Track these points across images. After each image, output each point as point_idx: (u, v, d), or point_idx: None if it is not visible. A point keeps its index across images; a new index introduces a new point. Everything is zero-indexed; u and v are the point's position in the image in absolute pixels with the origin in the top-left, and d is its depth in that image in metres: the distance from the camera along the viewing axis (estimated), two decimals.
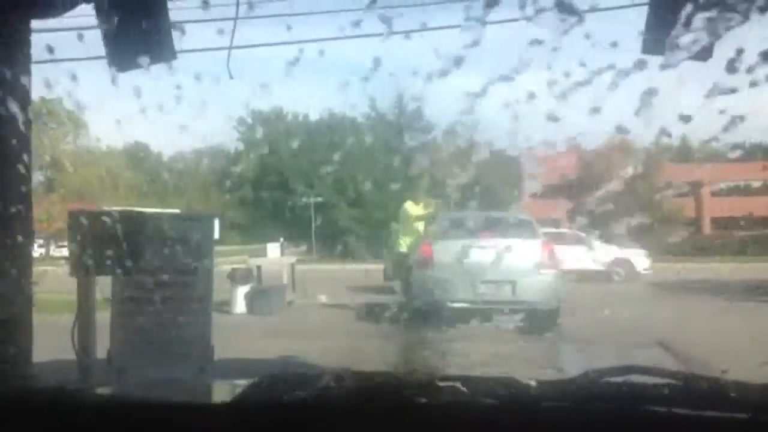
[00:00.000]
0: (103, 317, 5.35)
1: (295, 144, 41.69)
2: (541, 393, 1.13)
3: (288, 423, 1.09)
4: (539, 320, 9.93)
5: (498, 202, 40.86)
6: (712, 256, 37.99)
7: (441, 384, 1.14)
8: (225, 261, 17.01)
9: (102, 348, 5.20)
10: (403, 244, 11.71)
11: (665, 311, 12.31)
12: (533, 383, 1.15)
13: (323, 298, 14.90)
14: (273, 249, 14.23)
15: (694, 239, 45.15)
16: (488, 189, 47.28)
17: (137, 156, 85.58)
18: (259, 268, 13.63)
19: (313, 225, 38.86)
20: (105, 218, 5.39)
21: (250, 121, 58.53)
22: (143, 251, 5.65)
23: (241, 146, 59.71)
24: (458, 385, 1.13)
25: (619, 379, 1.18)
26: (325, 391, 1.17)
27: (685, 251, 39.82)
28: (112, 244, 5.28)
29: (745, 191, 57.22)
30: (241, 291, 12.54)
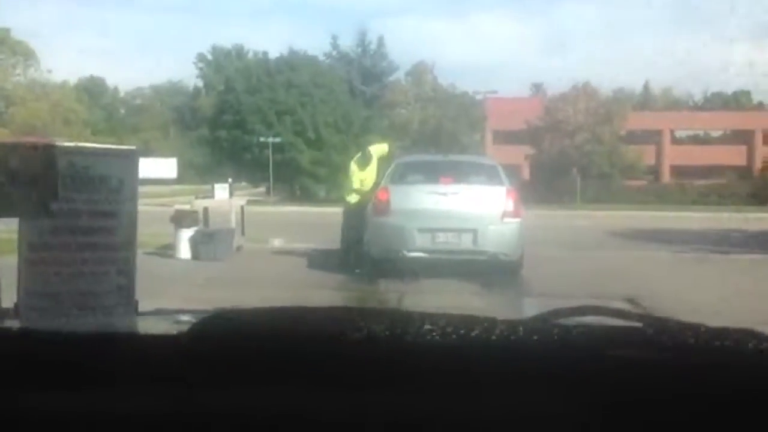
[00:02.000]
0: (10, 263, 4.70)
1: (253, 82, 40.41)
2: (492, 332, 1.06)
3: (248, 357, 1.04)
4: (502, 272, 9.39)
5: (460, 147, 40.63)
6: (671, 204, 38.08)
7: (399, 318, 1.11)
8: (183, 201, 16.22)
9: (7, 300, 4.55)
10: (352, 195, 10.94)
11: (630, 263, 11.94)
12: (485, 322, 1.08)
13: (276, 243, 14.25)
14: (221, 190, 13.33)
15: (653, 187, 45.28)
16: (451, 134, 47.11)
17: (93, 90, 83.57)
18: (206, 210, 12.81)
19: (270, 166, 37.99)
20: (10, 151, 4.65)
21: (210, 57, 57.12)
22: (54, 190, 4.92)
23: (200, 83, 58.39)
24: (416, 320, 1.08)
25: (573, 321, 1.12)
26: (284, 325, 1.11)
27: (645, 200, 39.87)
28: (18, 180, 4.58)
29: (705, 140, 57.69)
30: (186, 235, 11.75)
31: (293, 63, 41.81)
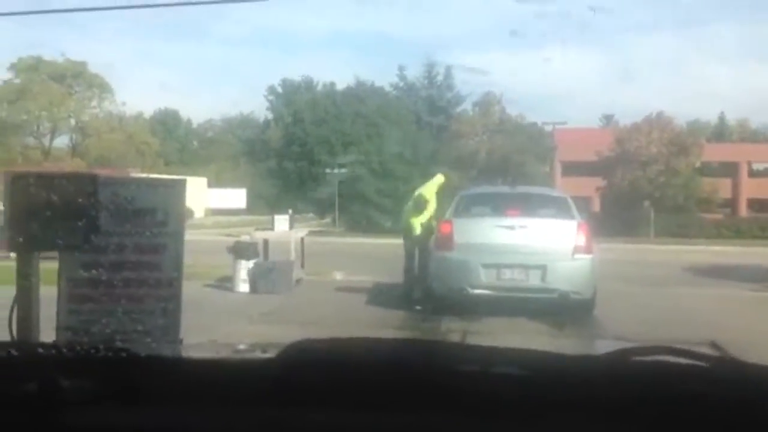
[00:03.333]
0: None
1: (320, 113, 40.59)
2: (566, 368, 1.11)
3: (333, 384, 1.10)
4: (572, 311, 8.83)
5: (529, 179, 39.93)
6: (748, 238, 36.54)
7: (470, 353, 1.17)
8: (250, 231, 16.00)
9: (47, 338, 4.30)
10: (416, 225, 10.42)
11: (708, 303, 11.22)
12: (556, 358, 1.14)
13: (338, 276, 13.93)
14: (281, 221, 13.08)
15: (729, 221, 43.62)
16: (518, 165, 46.44)
17: (167, 123, 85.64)
18: (265, 242, 12.58)
19: (336, 197, 37.94)
20: (50, 182, 4.40)
21: (280, 90, 57.84)
22: (96, 222, 4.62)
23: (270, 116, 59.15)
24: (485, 355, 1.16)
25: (648, 358, 1.14)
26: (358, 357, 1.18)
27: (721, 234, 38.36)
28: (59, 212, 4.33)
29: None
30: (244, 267, 11.53)
31: (360, 94, 41.92)
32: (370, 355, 1.18)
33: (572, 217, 9.53)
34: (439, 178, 10.74)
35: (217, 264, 12.14)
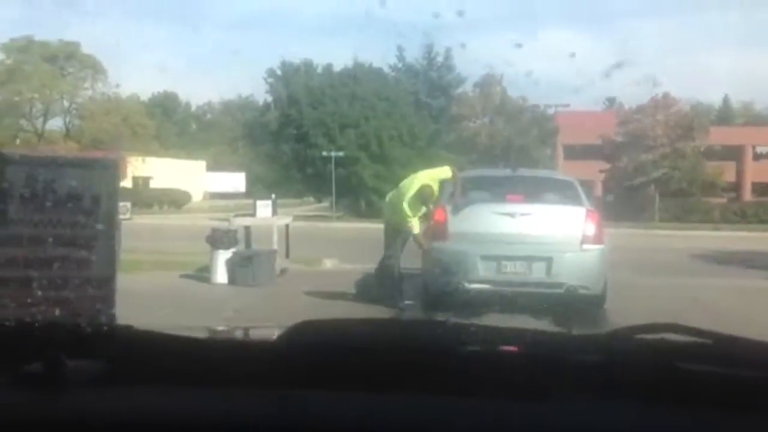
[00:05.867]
0: None
1: (317, 95, 39.69)
2: (568, 346, 1.13)
3: (335, 366, 1.11)
4: (581, 308, 7.98)
5: (531, 163, 39.14)
6: (753, 223, 35.86)
7: (472, 333, 1.18)
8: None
9: None
10: (414, 220, 8.96)
11: (723, 295, 10.45)
12: (559, 337, 1.19)
13: (328, 264, 13.12)
14: (263, 207, 12.24)
15: (734, 205, 42.90)
16: (520, 148, 45.64)
17: (165, 106, 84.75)
18: (247, 229, 11.73)
19: (333, 180, 37.08)
20: None
21: (279, 73, 56.97)
22: (7, 209, 3.87)
23: (270, 99, 58.34)
24: (487, 335, 1.17)
25: (651, 336, 1.15)
26: (362, 338, 1.19)
27: (726, 219, 37.65)
28: None
29: None
30: (222, 257, 10.69)
31: (357, 75, 41.00)
32: (374, 336, 1.20)
33: (580, 203, 8.67)
34: (445, 171, 9.13)
35: (203, 251, 11.36)
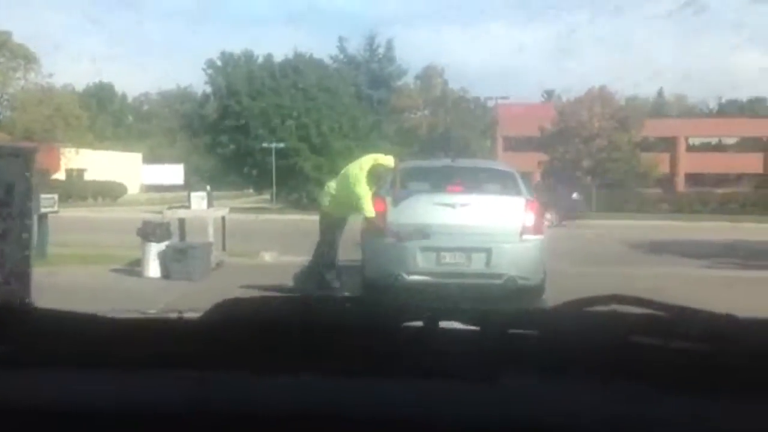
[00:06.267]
0: None
1: (256, 86, 39.15)
2: (513, 321, 1.10)
3: (260, 342, 1.06)
4: (520, 298, 7.99)
5: (471, 154, 39.44)
6: (687, 213, 36.75)
7: (414, 312, 1.14)
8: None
9: None
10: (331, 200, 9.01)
11: (663, 282, 10.61)
12: (504, 313, 1.14)
13: (267, 257, 12.89)
14: (199, 199, 11.92)
15: (669, 196, 43.93)
16: (460, 140, 45.92)
17: (101, 97, 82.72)
18: (181, 222, 11.41)
19: (273, 172, 36.67)
20: None
21: (219, 63, 56.14)
22: None
23: (209, 89, 57.46)
24: (429, 312, 1.12)
25: (601, 308, 1.14)
26: (290, 316, 1.14)
27: (661, 209, 38.52)
28: None
29: (720, 148, 56.40)
30: (155, 250, 10.39)
31: (298, 66, 40.60)
32: (306, 315, 1.13)
33: (519, 194, 8.66)
34: (389, 159, 8.92)
35: (135, 245, 11.03)
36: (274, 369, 0.99)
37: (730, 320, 1.07)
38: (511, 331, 1.06)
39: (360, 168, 8.74)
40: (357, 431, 0.89)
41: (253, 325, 1.08)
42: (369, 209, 8.43)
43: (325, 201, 9.23)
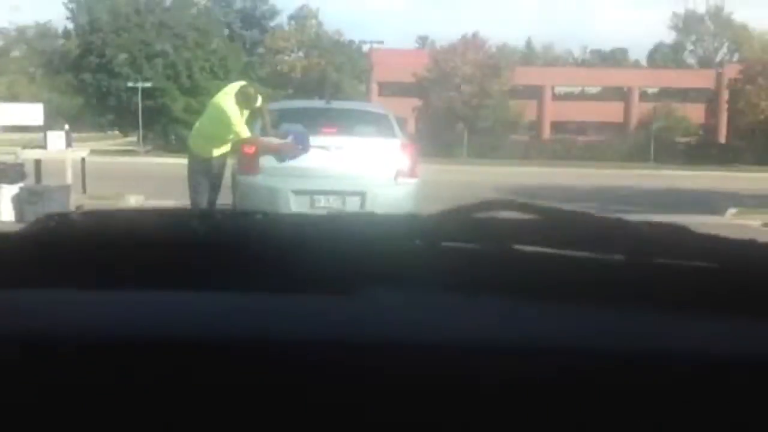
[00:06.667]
0: None
1: (120, 22, 37.26)
2: (386, 231, 1.01)
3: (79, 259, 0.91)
4: None
5: (345, 98, 39.15)
6: (553, 159, 38.12)
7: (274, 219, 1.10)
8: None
9: None
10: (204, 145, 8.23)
11: None
12: (383, 217, 1.06)
13: (132, 201, 12.34)
14: (56, 139, 11.18)
15: (536, 143, 45.42)
16: (335, 83, 45.51)
17: None
18: (37, 163, 10.69)
19: (140, 113, 35.21)
20: None
21: None
22: None
23: (71, 25, 54.21)
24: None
25: (482, 214, 1.06)
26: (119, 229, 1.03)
27: (528, 155, 39.79)
28: None
29: (583, 97, 58.50)
30: (9, 192, 9.72)
31: (166, 3, 38.87)
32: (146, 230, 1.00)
33: (394, 136, 8.58)
34: (254, 89, 8.34)
35: None
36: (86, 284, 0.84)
37: (608, 221, 1.02)
38: (384, 238, 0.96)
39: (225, 93, 8.18)
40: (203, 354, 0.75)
41: (78, 240, 0.94)
42: (242, 130, 7.93)
43: (192, 141, 8.62)
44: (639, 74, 58.56)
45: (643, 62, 76.67)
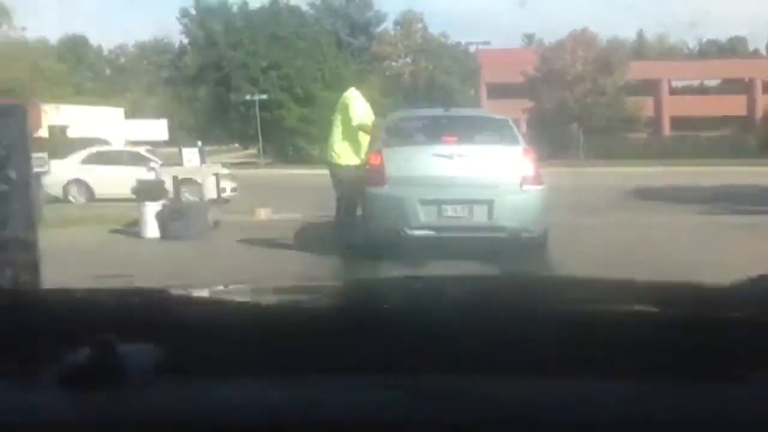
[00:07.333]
0: None
1: (234, 36, 38.35)
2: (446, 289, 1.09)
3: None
4: (524, 252, 7.83)
5: (455, 103, 39.02)
6: (675, 158, 36.60)
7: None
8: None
9: None
10: (340, 152, 8.57)
11: (668, 232, 10.49)
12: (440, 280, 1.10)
13: (263, 215, 12.65)
14: (190, 155, 11.62)
15: (656, 140, 43.81)
16: (444, 87, 45.39)
17: (75, 50, 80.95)
18: (176, 179, 11.11)
19: (258, 125, 36.10)
20: None
21: (194, 12, 54.99)
22: None
23: (186, 40, 56.38)
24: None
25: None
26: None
27: (648, 154, 38.36)
28: None
29: (703, 90, 56.15)
30: (152, 209, 10.10)
31: (275, 14, 39.76)
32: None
33: (516, 143, 8.48)
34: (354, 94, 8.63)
35: (132, 204, 10.85)
36: None
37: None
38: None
39: (351, 94, 8.66)
40: None
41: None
42: (368, 125, 8.41)
43: (330, 153, 8.82)
44: (761, 64, 55.37)
45: (763, 51, 72.84)
